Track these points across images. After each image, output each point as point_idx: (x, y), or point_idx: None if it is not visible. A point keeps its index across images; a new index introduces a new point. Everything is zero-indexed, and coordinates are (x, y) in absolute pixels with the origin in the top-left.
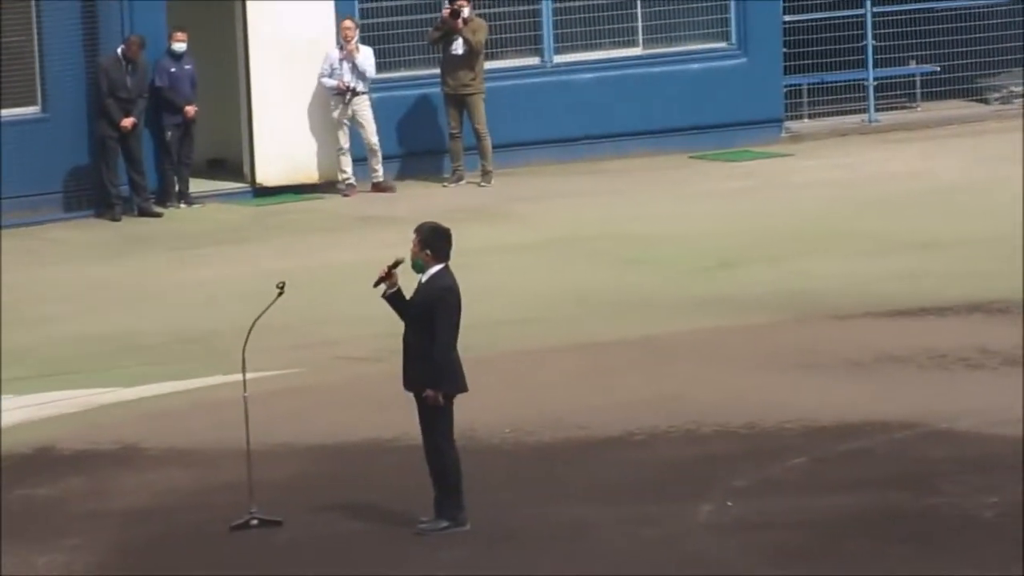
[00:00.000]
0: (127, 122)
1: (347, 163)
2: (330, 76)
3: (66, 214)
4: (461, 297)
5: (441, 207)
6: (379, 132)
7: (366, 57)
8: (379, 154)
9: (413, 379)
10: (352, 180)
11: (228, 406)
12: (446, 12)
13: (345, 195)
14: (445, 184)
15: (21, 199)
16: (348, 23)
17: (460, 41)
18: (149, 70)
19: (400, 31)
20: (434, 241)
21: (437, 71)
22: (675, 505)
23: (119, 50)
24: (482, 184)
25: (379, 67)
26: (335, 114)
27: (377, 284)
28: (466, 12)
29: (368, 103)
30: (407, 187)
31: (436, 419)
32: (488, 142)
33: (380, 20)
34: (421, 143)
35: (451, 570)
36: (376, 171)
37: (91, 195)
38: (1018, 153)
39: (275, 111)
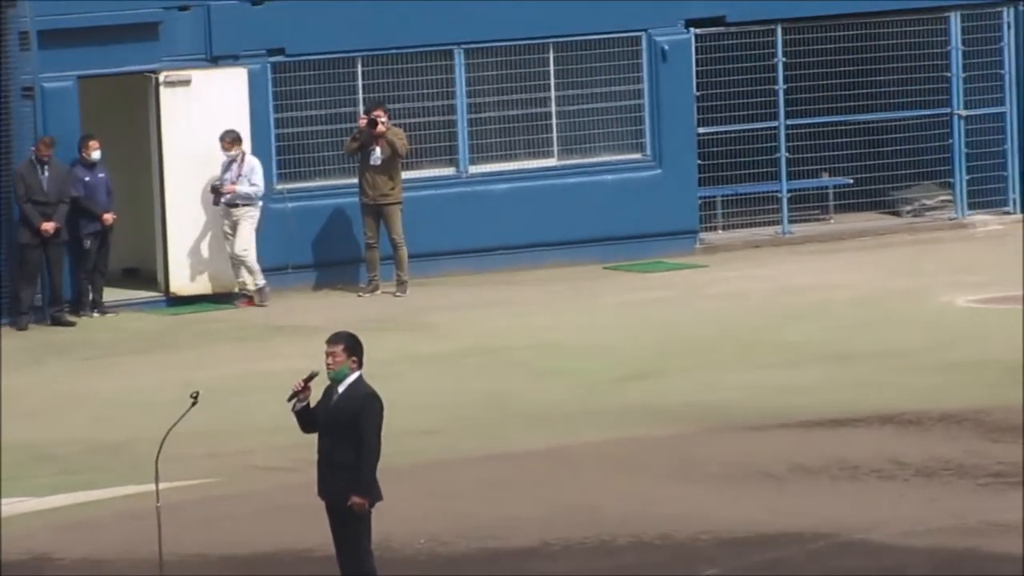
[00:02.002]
0: (47, 226)
1: (242, 272)
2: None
3: None
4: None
5: (356, 317)
6: (293, 240)
7: (252, 169)
8: (248, 267)
9: (333, 488)
10: (256, 287)
11: (141, 516)
12: (363, 121)
13: (236, 305)
14: (360, 294)
15: None
16: (226, 135)
17: (378, 151)
18: (66, 174)
19: (317, 141)
20: (358, 348)
21: (353, 180)
22: None
23: (31, 154)
24: (397, 294)
25: (295, 176)
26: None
27: (292, 398)
28: (383, 121)
29: (250, 215)
30: (323, 297)
31: (353, 529)
32: (404, 252)
33: (296, 130)
34: (337, 252)
35: None
36: (244, 283)
37: (5, 303)
38: (927, 266)
39: (189, 220)
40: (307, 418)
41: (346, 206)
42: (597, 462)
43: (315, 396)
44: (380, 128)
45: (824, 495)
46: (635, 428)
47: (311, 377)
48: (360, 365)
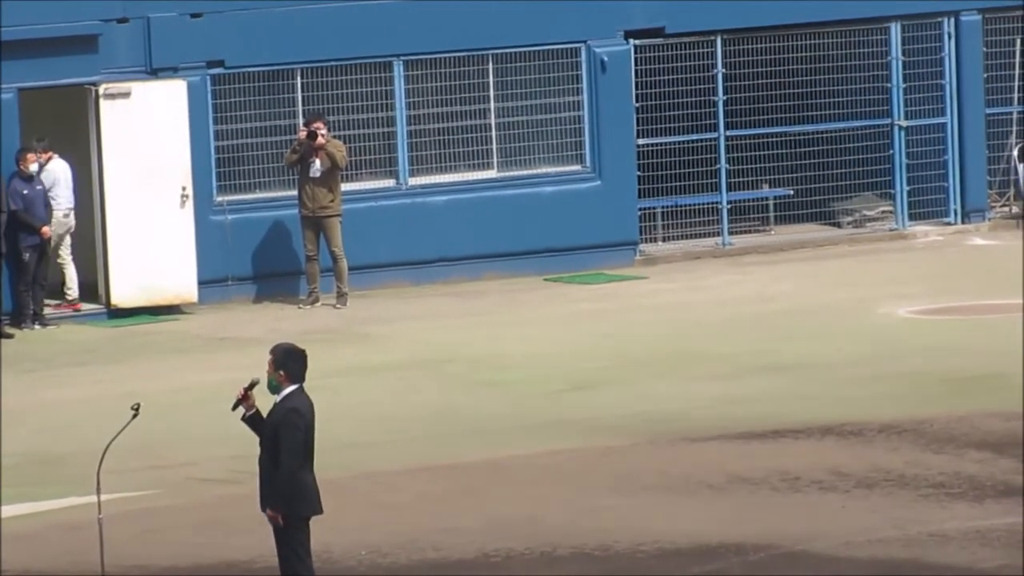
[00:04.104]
0: None
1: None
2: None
3: None
4: (313, 418)
5: (296, 328)
6: (233, 252)
7: (54, 181)
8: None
9: (267, 500)
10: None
11: (83, 528)
12: (302, 134)
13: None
14: (300, 306)
15: None
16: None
17: (318, 163)
18: (3, 186)
19: (256, 153)
20: (288, 362)
21: (293, 193)
22: None
23: None
24: (337, 306)
25: (234, 188)
26: None
27: (235, 407)
28: (323, 133)
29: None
30: (263, 309)
31: (290, 540)
32: (344, 264)
33: (236, 142)
34: (276, 264)
35: None
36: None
37: None
38: (867, 277)
39: (130, 232)
40: (259, 428)
41: (286, 218)
42: (536, 474)
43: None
44: (320, 140)
45: (765, 506)
46: (574, 440)
47: (252, 386)
48: (292, 378)
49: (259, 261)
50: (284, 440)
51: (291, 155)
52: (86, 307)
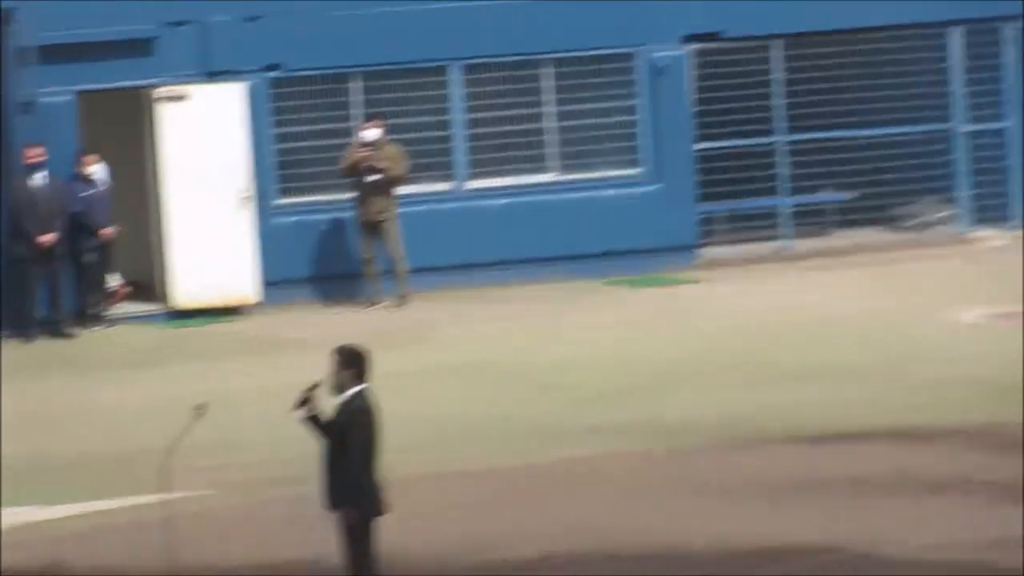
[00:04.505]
0: (45, 239)
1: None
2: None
3: None
4: (378, 419)
5: (356, 330)
6: (293, 255)
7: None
8: None
9: (332, 499)
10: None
11: (147, 527)
12: (359, 157)
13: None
14: (360, 309)
15: None
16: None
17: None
18: (63, 187)
19: (315, 156)
20: (354, 362)
21: (353, 195)
22: None
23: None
24: (396, 308)
25: (294, 191)
26: None
27: (297, 408)
28: (371, 135)
29: None
30: (323, 311)
31: (356, 540)
32: (403, 266)
33: (295, 145)
34: (336, 267)
35: None
36: None
37: (8, 317)
38: (930, 282)
39: (191, 234)
40: (320, 429)
41: (345, 220)
42: (599, 476)
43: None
44: (374, 178)
45: (832, 510)
46: (637, 443)
47: (313, 387)
48: (359, 379)
49: (319, 263)
50: (352, 440)
51: (346, 169)
52: (146, 309)
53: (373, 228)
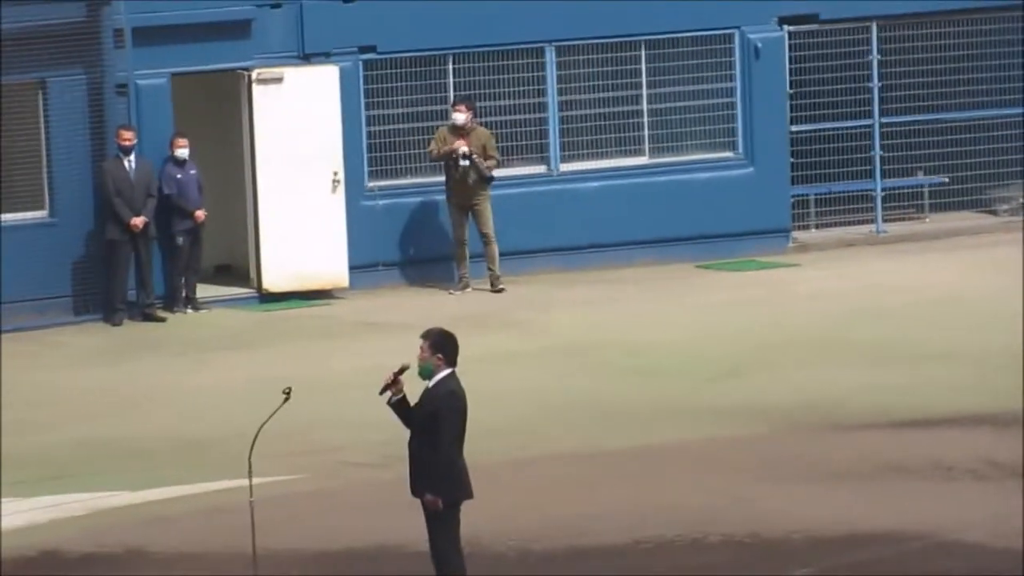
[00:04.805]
0: (137, 221)
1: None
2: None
3: (75, 318)
4: (467, 403)
5: (446, 314)
6: (384, 238)
7: None
8: None
9: (419, 484)
10: None
11: (234, 511)
12: (453, 145)
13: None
14: (451, 291)
15: (27, 303)
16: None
17: (465, 150)
18: (155, 169)
19: (407, 138)
20: (445, 346)
21: (442, 178)
22: None
23: (116, 146)
24: (494, 289)
25: (386, 174)
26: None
27: (383, 391)
28: (462, 119)
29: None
30: (413, 294)
31: (441, 525)
32: (495, 247)
33: (387, 127)
34: (427, 250)
35: None
36: None
37: (98, 299)
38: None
39: (282, 217)
40: (406, 413)
41: (436, 204)
42: (686, 461)
43: (410, 392)
44: (466, 161)
45: (917, 495)
46: (724, 427)
47: (401, 371)
48: (448, 362)
49: (410, 246)
50: (443, 424)
51: (436, 154)
52: (237, 292)
53: (465, 210)
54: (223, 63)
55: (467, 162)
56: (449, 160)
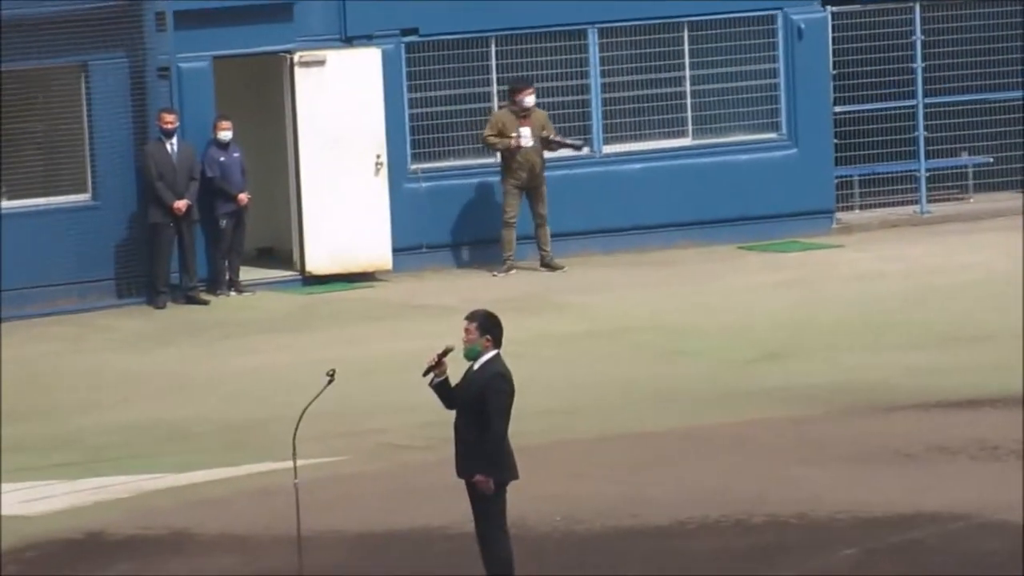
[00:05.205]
0: (179, 204)
1: None
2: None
3: (118, 301)
4: (514, 384)
5: (490, 296)
6: (426, 220)
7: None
8: None
9: (465, 466)
10: None
11: (278, 493)
12: (515, 142)
13: None
14: (495, 274)
15: (71, 286)
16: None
17: (528, 131)
18: (198, 153)
19: (450, 120)
20: (492, 327)
21: (486, 160)
22: None
23: (157, 130)
24: (551, 268)
25: (428, 156)
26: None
27: (426, 373)
28: (530, 101)
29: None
30: (456, 276)
31: (488, 507)
32: (547, 231)
33: (430, 110)
34: (469, 233)
35: None
36: None
37: (141, 282)
38: None
39: (324, 200)
40: (447, 395)
41: (479, 186)
42: (731, 443)
43: (457, 374)
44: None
45: (962, 476)
46: (768, 409)
47: (445, 352)
48: (495, 344)
49: (452, 229)
50: (493, 405)
51: (493, 138)
52: (280, 275)
53: (526, 190)
54: (265, 46)
55: (576, 150)
56: (509, 140)
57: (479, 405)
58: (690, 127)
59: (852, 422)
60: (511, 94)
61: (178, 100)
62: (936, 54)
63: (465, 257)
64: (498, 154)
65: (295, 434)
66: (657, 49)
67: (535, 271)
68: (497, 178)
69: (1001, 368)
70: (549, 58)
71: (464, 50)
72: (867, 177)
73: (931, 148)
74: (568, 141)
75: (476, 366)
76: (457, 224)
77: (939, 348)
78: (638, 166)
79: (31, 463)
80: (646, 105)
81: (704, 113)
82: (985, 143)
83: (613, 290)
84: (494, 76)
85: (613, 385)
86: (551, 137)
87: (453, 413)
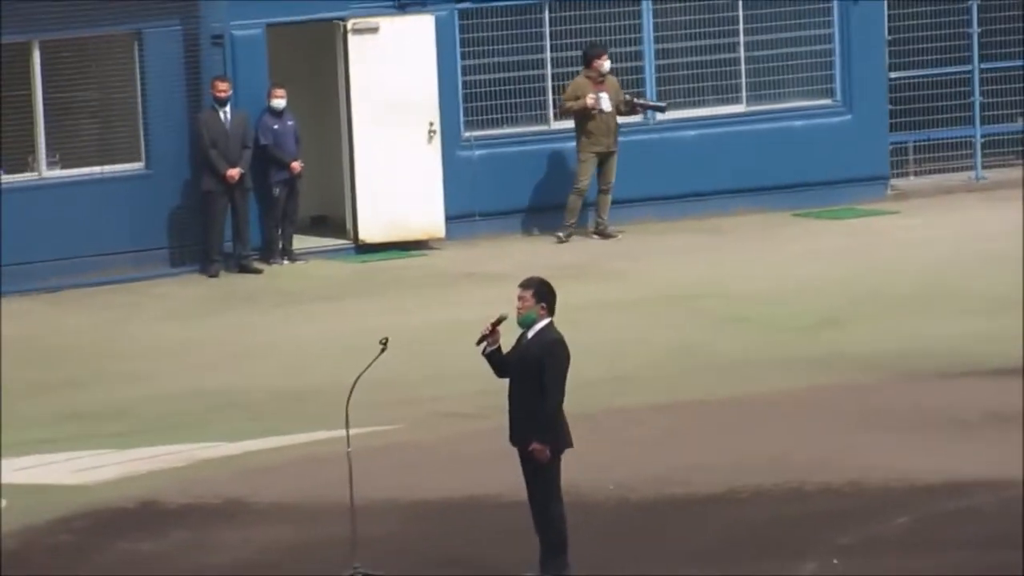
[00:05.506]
0: (232, 172)
1: None
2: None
3: (172, 269)
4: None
5: (544, 264)
6: (480, 188)
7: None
8: None
9: (520, 434)
10: None
11: (331, 461)
12: (592, 101)
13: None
14: (560, 236)
15: (125, 255)
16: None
17: (606, 96)
18: (251, 121)
19: (503, 88)
20: (547, 295)
21: (538, 128)
22: (780, 563)
23: (211, 98)
24: (607, 236)
25: (481, 124)
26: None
27: (480, 342)
28: (607, 67)
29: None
30: (509, 244)
31: (543, 475)
32: (609, 199)
33: (483, 77)
34: (523, 200)
35: None
36: None
37: (195, 251)
38: None
39: (378, 168)
40: (499, 363)
41: (532, 154)
42: (785, 410)
43: (509, 342)
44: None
45: (1018, 443)
46: (823, 376)
47: (499, 321)
48: (550, 312)
49: (506, 197)
50: (550, 372)
51: (572, 103)
52: (334, 243)
53: (602, 157)
54: (318, 13)
55: (660, 112)
56: (587, 111)
57: (536, 373)
58: (744, 93)
59: (908, 389)
60: (587, 60)
61: (231, 68)
62: (992, 19)
63: (518, 225)
64: (569, 121)
65: (348, 403)
66: (711, 15)
67: (588, 239)
68: (550, 146)
69: None
70: (603, 24)
71: (517, 16)
72: (922, 143)
73: (986, 114)
74: (652, 103)
75: (530, 334)
76: (510, 192)
77: (994, 314)
78: (692, 133)
79: (85, 432)
80: (700, 71)
81: (758, 79)
82: None
83: (668, 257)
84: (548, 43)
85: (669, 353)
86: (635, 100)
87: (506, 381)
